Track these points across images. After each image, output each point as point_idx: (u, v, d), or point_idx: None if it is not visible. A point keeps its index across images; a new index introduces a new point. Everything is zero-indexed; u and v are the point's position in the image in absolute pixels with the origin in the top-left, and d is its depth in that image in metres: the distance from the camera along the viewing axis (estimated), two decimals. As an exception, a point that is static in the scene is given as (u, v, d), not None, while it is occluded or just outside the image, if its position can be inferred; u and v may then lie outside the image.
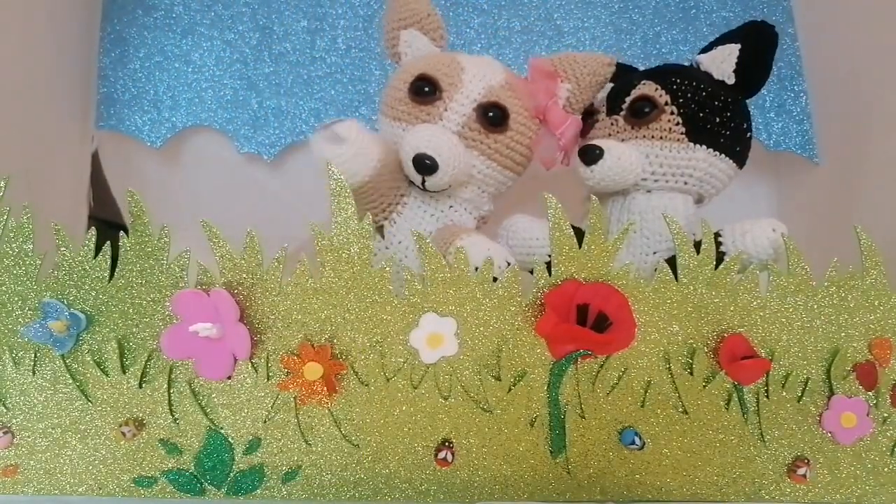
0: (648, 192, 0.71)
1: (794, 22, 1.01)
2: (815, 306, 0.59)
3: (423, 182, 0.66)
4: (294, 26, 1.02)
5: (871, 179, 0.91)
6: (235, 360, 0.56)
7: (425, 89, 0.69)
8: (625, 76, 0.76)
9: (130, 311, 0.57)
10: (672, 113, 0.69)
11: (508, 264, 0.59)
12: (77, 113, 0.99)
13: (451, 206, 0.72)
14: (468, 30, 1.03)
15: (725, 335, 0.58)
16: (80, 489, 0.57)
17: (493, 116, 0.69)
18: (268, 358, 0.56)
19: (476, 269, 0.57)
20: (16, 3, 0.86)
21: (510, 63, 1.01)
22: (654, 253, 0.69)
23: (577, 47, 1.02)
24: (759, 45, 0.70)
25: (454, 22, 1.02)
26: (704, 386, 0.58)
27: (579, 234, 0.57)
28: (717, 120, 0.69)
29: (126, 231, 0.56)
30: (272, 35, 1.02)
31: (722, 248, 0.65)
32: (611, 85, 0.77)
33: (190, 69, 1.01)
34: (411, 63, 0.73)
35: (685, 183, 0.70)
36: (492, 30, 1.03)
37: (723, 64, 0.70)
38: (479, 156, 0.70)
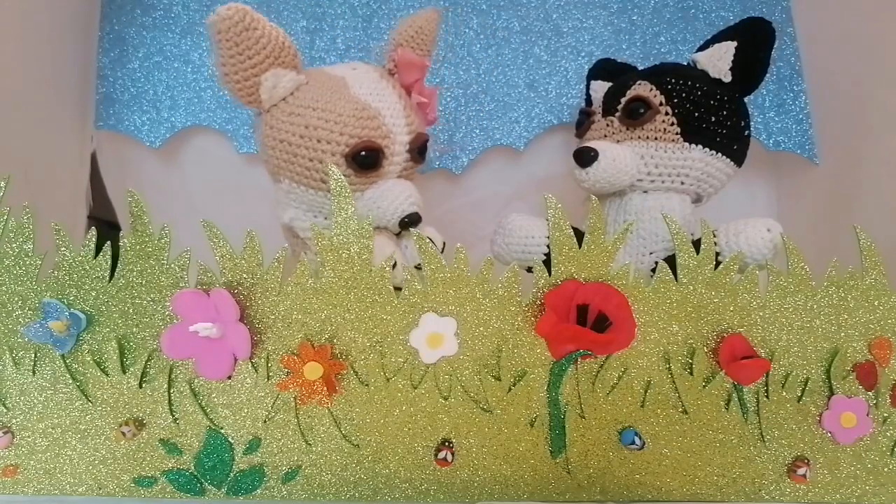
0: (645, 192, 0.71)
1: (794, 22, 1.01)
2: (815, 306, 0.59)
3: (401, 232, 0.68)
4: (293, 26, 1.02)
5: (870, 179, 0.91)
6: (235, 359, 0.56)
7: (368, 159, 0.65)
8: (622, 76, 0.76)
9: (130, 311, 0.57)
10: (667, 113, 0.69)
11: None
12: (76, 113, 0.99)
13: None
14: (467, 30, 1.02)
15: (725, 335, 0.58)
16: (80, 489, 0.57)
17: (421, 150, 0.70)
18: (268, 358, 0.56)
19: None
20: (15, 3, 0.86)
21: (509, 64, 1.02)
22: (651, 253, 0.69)
23: (575, 47, 1.02)
24: (755, 41, 0.69)
25: (453, 22, 1.02)
26: (704, 386, 0.58)
27: (578, 234, 0.57)
28: (713, 119, 0.69)
29: (119, 230, 0.56)
30: (271, 35, 1.02)
31: (716, 249, 0.65)
32: (609, 85, 0.77)
33: (189, 69, 1.01)
34: (314, 121, 0.65)
35: (682, 183, 0.70)
36: (491, 30, 1.03)
37: (719, 62, 0.70)
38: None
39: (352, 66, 0.71)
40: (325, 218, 0.69)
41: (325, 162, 0.64)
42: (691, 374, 0.58)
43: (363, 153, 0.65)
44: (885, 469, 0.60)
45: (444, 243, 0.72)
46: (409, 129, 0.68)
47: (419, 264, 0.58)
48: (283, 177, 0.68)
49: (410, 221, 0.66)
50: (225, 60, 0.63)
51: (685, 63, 0.74)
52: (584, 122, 0.78)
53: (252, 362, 0.56)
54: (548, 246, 0.59)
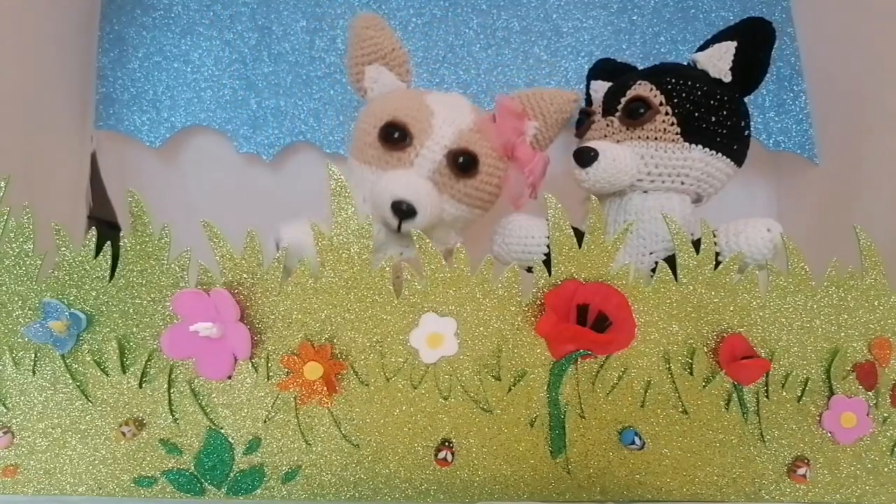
0: (645, 192, 0.71)
1: (794, 22, 1.01)
2: (815, 306, 0.59)
3: (399, 225, 0.67)
4: (293, 26, 1.02)
5: (870, 179, 0.92)
6: (235, 359, 0.56)
7: (395, 135, 0.68)
8: (622, 76, 0.76)
9: (131, 310, 0.57)
10: (667, 113, 0.69)
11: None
12: (76, 113, 0.99)
13: (406, 240, 0.70)
14: (467, 30, 1.02)
15: (725, 335, 0.58)
16: (80, 489, 0.57)
17: (463, 163, 0.69)
18: (268, 358, 0.56)
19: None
20: (15, 2, 0.86)
21: (509, 64, 1.02)
22: (651, 253, 0.69)
23: (575, 47, 1.02)
24: (755, 41, 0.69)
25: (453, 22, 1.02)
26: (704, 386, 0.58)
27: (578, 235, 0.57)
28: (713, 119, 0.68)
29: (119, 230, 0.56)
30: (271, 35, 1.02)
31: (716, 249, 0.64)
32: (609, 85, 0.77)
33: (189, 69, 1.01)
34: (378, 103, 0.72)
35: (682, 183, 0.70)
36: (490, 30, 1.03)
37: (719, 62, 0.70)
38: (449, 199, 0.70)
39: (453, 94, 0.75)
40: (364, 200, 0.69)
41: (365, 132, 0.70)
42: (691, 374, 0.58)
43: (393, 129, 0.68)
44: (885, 469, 0.60)
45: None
46: (459, 137, 0.68)
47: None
48: (352, 158, 0.74)
49: (405, 210, 0.65)
50: (347, 51, 0.76)
51: (685, 63, 0.74)
52: (583, 122, 0.78)
53: (252, 362, 0.56)
54: (548, 246, 0.59)
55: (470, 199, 0.71)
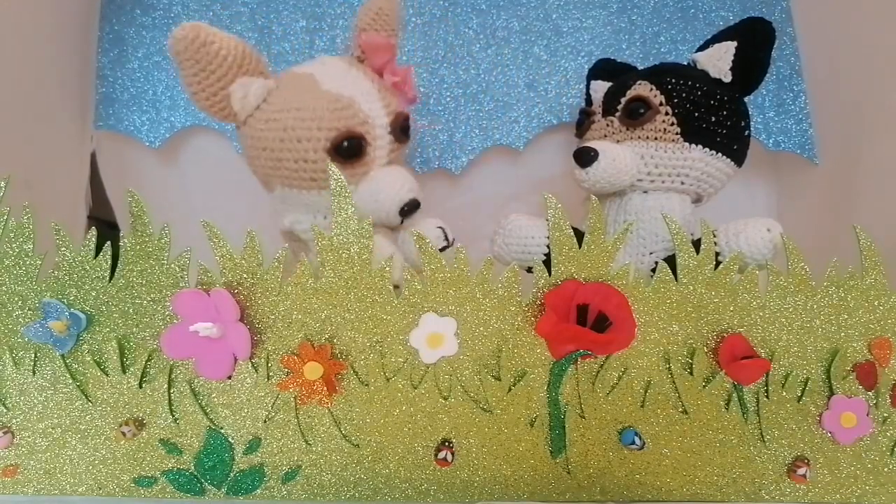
0: (645, 192, 0.71)
1: (794, 22, 1.01)
2: (815, 306, 0.59)
3: (402, 220, 0.67)
4: (293, 26, 1.02)
5: (870, 180, 0.91)
6: (235, 359, 0.56)
7: (350, 147, 0.64)
8: (622, 76, 0.76)
9: (131, 310, 0.57)
10: (667, 113, 0.69)
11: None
12: (76, 113, 0.99)
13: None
14: (467, 30, 1.02)
15: (725, 335, 0.58)
16: (80, 489, 0.57)
17: (403, 128, 0.69)
18: (268, 358, 0.56)
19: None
20: (15, 3, 0.86)
21: (509, 64, 1.02)
22: (651, 253, 0.69)
23: (575, 47, 1.01)
24: (755, 41, 0.69)
25: (453, 22, 1.02)
26: (704, 386, 0.58)
27: (578, 235, 0.57)
28: (713, 119, 0.68)
29: (119, 231, 0.56)
30: (271, 35, 1.02)
31: (716, 249, 0.64)
32: (608, 84, 0.77)
33: (189, 69, 1.01)
34: (290, 122, 0.64)
35: (682, 183, 0.70)
36: (490, 30, 1.03)
37: (719, 62, 0.70)
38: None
39: (320, 62, 0.70)
40: (325, 217, 0.68)
41: (310, 160, 0.64)
42: (691, 374, 0.58)
43: (345, 143, 0.64)
44: (885, 469, 0.60)
45: (453, 239, 0.71)
46: (386, 110, 0.67)
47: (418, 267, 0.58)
48: (274, 184, 0.68)
49: (410, 209, 0.66)
50: (190, 80, 0.63)
51: (685, 63, 0.74)
52: (584, 122, 0.78)
53: (252, 362, 0.56)
54: (548, 246, 0.59)
55: (403, 155, 0.72)
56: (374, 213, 0.64)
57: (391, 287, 0.57)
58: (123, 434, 0.56)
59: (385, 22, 0.70)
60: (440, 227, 0.71)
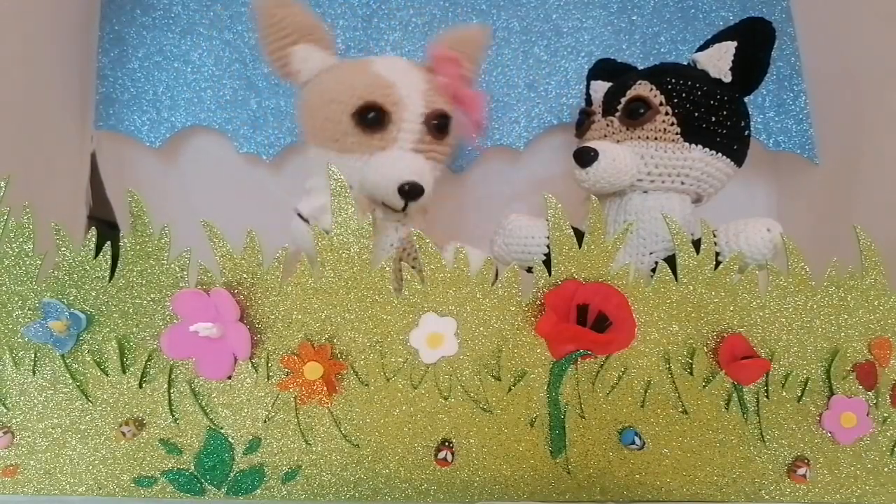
0: (645, 192, 0.71)
1: (794, 22, 1.01)
2: (815, 306, 0.59)
3: (405, 206, 0.68)
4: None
5: (870, 179, 0.91)
6: (235, 359, 0.56)
7: (373, 117, 0.68)
8: (622, 76, 0.76)
9: (131, 310, 0.57)
10: (667, 113, 0.69)
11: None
12: (76, 113, 0.99)
13: (406, 215, 0.72)
14: (467, 30, 1.02)
15: (725, 335, 0.58)
16: (80, 489, 0.57)
17: (439, 124, 0.71)
18: (268, 358, 0.56)
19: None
20: (15, 3, 0.86)
21: (509, 64, 1.02)
22: (651, 253, 0.69)
23: (575, 47, 1.02)
24: (755, 41, 0.69)
25: (453, 22, 1.02)
26: (704, 386, 0.58)
27: (578, 235, 0.57)
28: (713, 119, 0.68)
29: (119, 231, 0.56)
30: (271, 35, 1.02)
31: (716, 249, 0.64)
32: (608, 85, 0.77)
33: (189, 69, 1.01)
34: (331, 85, 0.71)
35: (682, 183, 0.70)
36: (490, 30, 1.03)
37: (719, 62, 0.70)
38: (433, 164, 0.71)
39: (389, 56, 0.77)
40: (350, 188, 0.69)
41: (334, 121, 0.69)
42: (691, 374, 0.58)
43: (368, 112, 0.68)
44: (885, 469, 0.60)
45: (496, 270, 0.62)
46: (426, 101, 0.70)
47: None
48: (309, 142, 0.73)
49: (411, 190, 0.66)
50: (262, 36, 0.72)
51: (685, 63, 0.74)
52: (583, 122, 0.78)
53: (252, 362, 0.56)
54: (548, 246, 0.59)
55: (445, 157, 0.74)
56: (376, 187, 0.67)
57: (391, 287, 0.57)
58: (123, 434, 0.56)
59: (463, 45, 0.75)
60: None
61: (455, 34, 0.76)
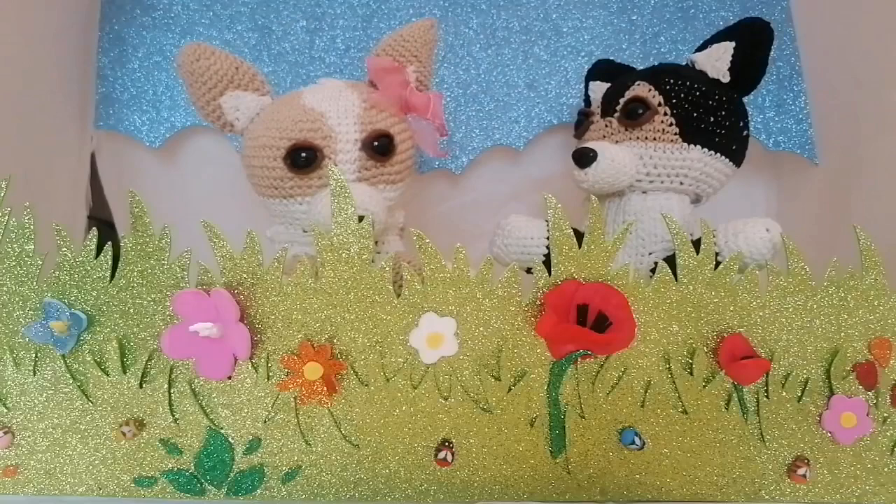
0: (644, 193, 0.71)
1: (793, 22, 1.01)
2: (815, 306, 0.59)
3: None
4: (293, 26, 1.02)
5: (870, 179, 0.91)
6: (235, 360, 0.56)
7: (305, 158, 0.65)
8: (621, 77, 0.76)
9: (131, 311, 0.57)
10: (665, 114, 0.69)
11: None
12: (76, 113, 0.99)
13: (376, 243, 0.70)
14: (467, 30, 1.02)
15: (725, 335, 0.58)
16: (80, 489, 0.57)
17: (380, 146, 0.67)
18: (268, 358, 0.56)
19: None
20: (15, 3, 0.86)
21: (509, 64, 1.02)
22: (650, 254, 0.69)
23: (575, 47, 1.02)
24: (753, 41, 0.70)
25: (452, 22, 1.02)
26: (704, 386, 0.58)
27: (578, 235, 0.57)
28: (712, 119, 0.69)
29: (116, 231, 0.56)
30: (271, 35, 1.02)
31: (715, 249, 0.64)
32: (607, 85, 0.77)
33: (189, 69, 1.01)
34: (261, 131, 0.68)
35: (681, 183, 0.70)
36: (490, 30, 1.03)
37: (717, 62, 0.70)
38: (384, 187, 0.69)
39: (321, 82, 0.71)
40: (304, 231, 0.69)
41: (269, 167, 0.67)
42: (691, 374, 0.58)
43: (300, 153, 0.65)
44: (885, 469, 0.60)
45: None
46: (361, 125, 0.66)
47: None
48: (256, 192, 0.71)
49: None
50: (189, 92, 0.69)
51: (684, 63, 0.74)
52: (582, 122, 0.78)
53: (252, 362, 0.56)
54: (547, 247, 0.59)
55: (399, 175, 0.70)
56: (326, 229, 0.61)
57: (391, 287, 0.56)
58: (123, 434, 0.56)
59: (404, 48, 0.71)
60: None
61: (396, 37, 0.72)
